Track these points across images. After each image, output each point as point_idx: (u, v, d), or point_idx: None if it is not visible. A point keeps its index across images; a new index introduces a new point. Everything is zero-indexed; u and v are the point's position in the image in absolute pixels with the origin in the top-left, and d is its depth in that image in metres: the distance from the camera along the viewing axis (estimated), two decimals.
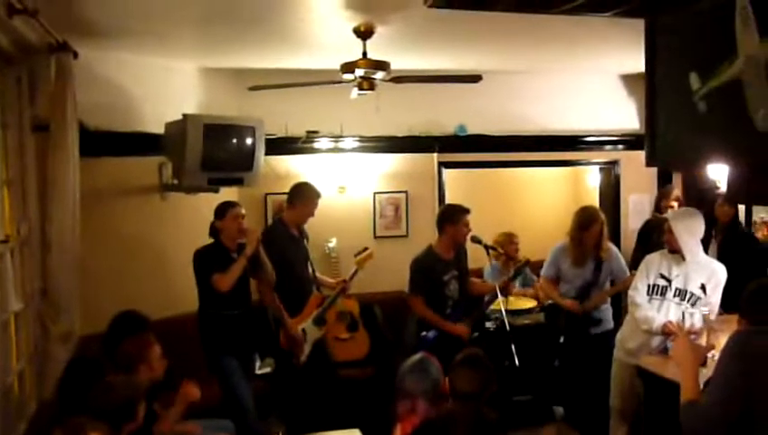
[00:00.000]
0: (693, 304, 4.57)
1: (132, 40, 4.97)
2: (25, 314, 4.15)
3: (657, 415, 4.28)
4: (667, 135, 3.56)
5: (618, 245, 7.12)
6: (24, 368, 4.16)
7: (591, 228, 5.47)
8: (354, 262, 5.83)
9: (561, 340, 5.76)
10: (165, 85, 5.83)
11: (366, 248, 5.92)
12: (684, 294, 4.59)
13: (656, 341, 4.60)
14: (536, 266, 6.79)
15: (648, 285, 4.71)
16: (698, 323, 4.49)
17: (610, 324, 5.63)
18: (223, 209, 4.97)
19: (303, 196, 5.51)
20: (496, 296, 5.32)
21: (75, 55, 4.21)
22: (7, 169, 4.01)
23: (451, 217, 5.41)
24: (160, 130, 5.50)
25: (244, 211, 5.03)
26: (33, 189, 4.17)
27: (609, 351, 5.08)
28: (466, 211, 5.41)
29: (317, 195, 5.55)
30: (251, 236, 4.91)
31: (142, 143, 5.56)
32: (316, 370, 5.50)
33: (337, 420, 4.92)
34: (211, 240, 5.01)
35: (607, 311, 5.66)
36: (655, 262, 4.75)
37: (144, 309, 4.45)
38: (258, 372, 5.65)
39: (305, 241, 5.65)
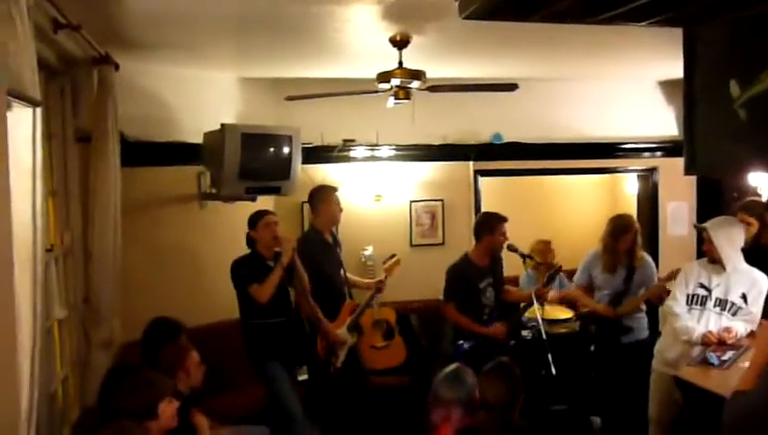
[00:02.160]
0: (734, 314, 4.52)
1: (172, 52, 5.04)
2: (69, 322, 4.24)
3: (697, 427, 4.23)
4: (707, 143, 3.52)
5: (655, 253, 7.08)
6: (68, 374, 4.25)
7: (624, 237, 5.45)
8: (382, 269, 5.89)
9: (592, 348, 5.73)
10: (203, 96, 5.90)
11: (393, 255, 5.98)
12: (724, 304, 4.54)
13: (695, 351, 4.55)
14: (571, 274, 6.75)
15: (688, 295, 4.66)
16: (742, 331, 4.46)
17: (644, 334, 5.58)
18: (255, 219, 5.02)
19: (321, 197, 5.56)
20: (532, 303, 5.32)
21: (117, 67, 4.31)
22: (52, 179, 4.11)
23: (488, 226, 5.42)
24: (199, 139, 5.57)
25: (277, 218, 5.08)
26: (76, 199, 4.28)
27: (643, 361, 5.04)
28: (504, 219, 5.42)
29: (333, 190, 5.61)
30: (286, 245, 4.93)
31: (181, 153, 5.64)
32: (349, 378, 5.52)
33: (373, 429, 4.95)
34: (245, 247, 5.06)
35: (640, 320, 5.60)
36: (694, 271, 4.70)
37: (183, 316, 4.52)
38: (299, 378, 5.71)
39: (339, 250, 5.69)
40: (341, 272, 5.66)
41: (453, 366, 3.69)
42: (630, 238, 5.46)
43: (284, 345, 5.05)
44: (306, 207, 6.48)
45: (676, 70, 3.76)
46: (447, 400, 3.44)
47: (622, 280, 5.50)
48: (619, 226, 5.51)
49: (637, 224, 5.58)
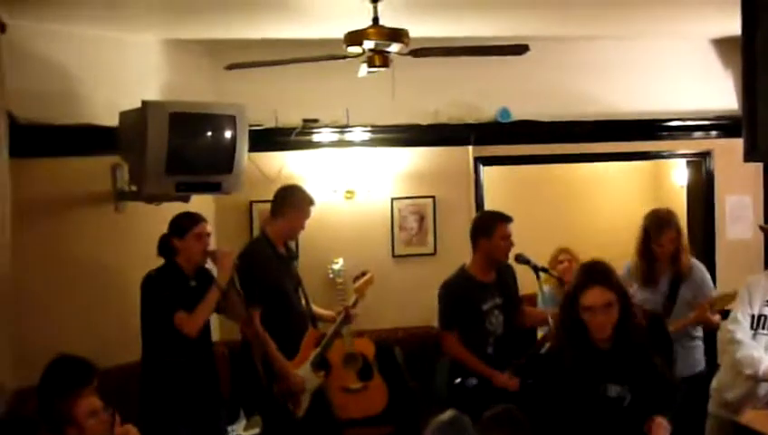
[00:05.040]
0: None
1: (77, 7, 5.01)
2: None
3: None
4: None
5: (711, 261, 7.11)
6: None
7: (662, 237, 5.46)
8: (353, 289, 5.90)
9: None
10: (119, 64, 5.87)
11: (365, 272, 5.99)
12: None
13: (763, 389, 4.57)
14: None
15: (753, 317, 4.67)
16: None
17: (699, 366, 5.56)
18: (185, 225, 4.98)
19: (291, 203, 5.54)
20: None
21: (2, 28, 4.27)
22: None
23: (484, 229, 5.41)
24: (114, 122, 5.53)
25: (210, 228, 5.07)
26: None
27: (697, 401, 5.06)
28: (505, 220, 5.41)
29: (309, 201, 5.58)
30: (224, 261, 4.91)
31: (90, 139, 5.60)
32: (315, 429, 5.50)
33: None
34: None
35: (693, 349, 5.54)
36: (761, 286, 4.72)
37: (95, 353, 4.46)
38: (244, 434, 5.68)
39: (295, 263, 5.70)
40: (300, 292, 5.65)
41: (449, 415, 3.69)
42: (671, 238, 5.47)
43: (201, 395, 5.01)
44: (257, 207, 6.49)
45: (734, 24, 3.77)
46: None
47: (664, 296, 5.50)
48: (653, 222, 5.53)
49: (678, 219, 5.59)
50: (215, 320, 5.36)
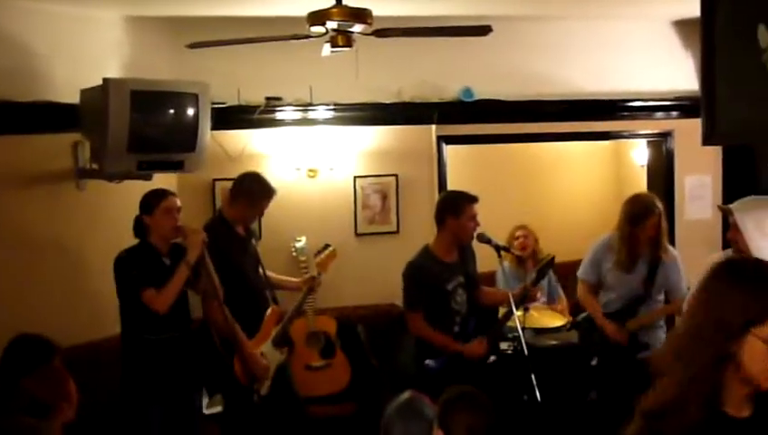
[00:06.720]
0: None
1: None
2: None
3: None
4: (730, 104, 3.58)
5: (671, 240, 7.15)
6: None
7: (646, 222, 5.50)
8: (315, 264, 5.92)
9: (594, 362, 5.77)
10: (80, 41, 5.81)
11: (327, 246, 6.01)
12: None
13: None
14: (564, 269, 6.83)
15: None
16: None
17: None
18: (152, 201, 4.96)
19: (249, 192, 5.62)
20: (512, 310, 5.33)
21: None
22: None
23: (453, 208, 5.43)
24: (74, 99, 5.49)
25: (179, 203, 5.04)
26: None
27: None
28: (473, 200, 5.43)
29: (269, 193, 5.64)
30: (193, 238, 4.90)
31: (50, 116, 5.54)
32: (277, 406, 5.51)
33: None
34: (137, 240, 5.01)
35: (656, 331, 5.67)
36: None
37: (57, 334, 4.44)
38: (206, 411, 5.68)
39: (254, 241, 5.73)
40: (260, 270, 5.66)
41: (405, 396, 3.71)
42: (653, 224, 5.51)
43: (177, 373, 4.99)
44: (219, 186, 6.47)
45: (694, 6, 3.80)
46: None
47: (641, 281, 5.58)
48: (638, 208, 5.56)
49: (659, 205, 5.64)
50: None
